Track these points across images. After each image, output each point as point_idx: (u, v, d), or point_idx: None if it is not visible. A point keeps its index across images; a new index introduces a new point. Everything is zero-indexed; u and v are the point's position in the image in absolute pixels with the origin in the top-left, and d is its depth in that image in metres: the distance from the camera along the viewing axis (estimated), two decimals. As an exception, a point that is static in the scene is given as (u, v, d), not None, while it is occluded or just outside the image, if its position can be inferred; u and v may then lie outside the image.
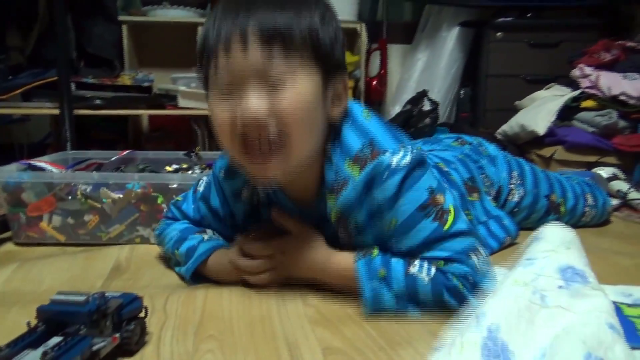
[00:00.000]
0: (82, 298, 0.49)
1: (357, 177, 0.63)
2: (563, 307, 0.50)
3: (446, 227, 0.62)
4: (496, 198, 0.97)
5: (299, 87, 0.59)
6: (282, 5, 0.58)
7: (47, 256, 0.88)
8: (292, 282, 0.70)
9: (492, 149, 1.02)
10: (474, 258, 0.62)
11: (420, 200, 0.62)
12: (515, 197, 0.99)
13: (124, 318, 0.52)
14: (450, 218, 0.63)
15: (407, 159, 0.62)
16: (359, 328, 0.60)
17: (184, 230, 0.78)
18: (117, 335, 0.51)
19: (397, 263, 0.63)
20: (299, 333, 0.58)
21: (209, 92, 0.63)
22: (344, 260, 0.66)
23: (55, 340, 0.48)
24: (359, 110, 0.68)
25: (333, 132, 0.66)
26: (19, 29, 1.62)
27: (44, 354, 0.43)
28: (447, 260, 0.62)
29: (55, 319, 0.49)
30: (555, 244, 0.59)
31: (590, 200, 1.07)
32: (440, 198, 0.64)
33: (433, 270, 0.61)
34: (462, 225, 0.64)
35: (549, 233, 0.63)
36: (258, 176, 0.64)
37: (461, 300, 0.60)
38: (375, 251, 0.65)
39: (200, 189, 0.80)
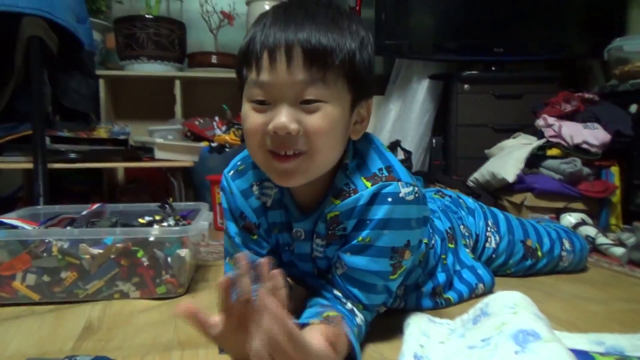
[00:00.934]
0: None
1: (369, 188, 0.67)
2: None
3: (392, 276, 0.69)
4: (475, 246, 1.01)
5: (330, 110, 0.62)
6: (329, 29, 0.61)
7: (14, 317, 0.85)
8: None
9: (470, 201, 1.08)
10: (379, 309, 0.73)
11: (396, 244, 0.68)
12: (492, 244, 1.03)
13: None
14: (398, 273, 0.70)
15: (412, 197, 0.67)
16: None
17: None
18: None
19: (351, 316, 0.67)
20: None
21: (243, 94, 0.65)
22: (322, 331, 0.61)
23: None
24: (380, 141, 0.74)
25: (354, 149, 0.71)
26: (-6, 83, 1.62)
27: None
28: (365, 307, 0.69)
29: None
30: (502, 315, 0.64)
31: (567, 245, 1.11)
32: (407, 254, 0.69)
33: (364, 318, 0.69)
34: (396, 283, 0.71)
35: (494, 305, 0.69)
36: (279, 182, 0.67)
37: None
38: (334, 313, 0.65)
39: (227, 229, 0.79)
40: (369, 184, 0.67)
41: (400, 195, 0.66)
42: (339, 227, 0.70)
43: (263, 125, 0.62)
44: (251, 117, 0.64)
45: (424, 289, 0.86)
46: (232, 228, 0.77)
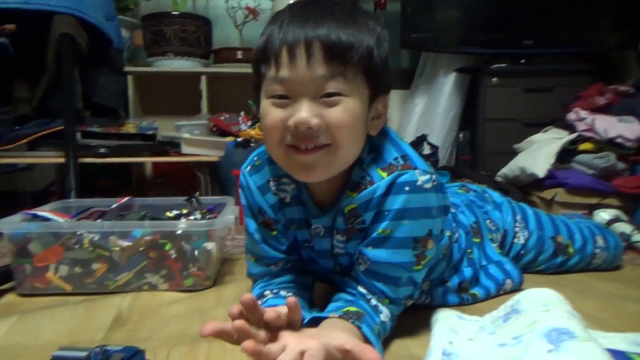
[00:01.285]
0: (83, 354, 0.49)
1: (385, 178, 0.66)
2: None
3: (416, 267, 0.68)
4: (502, 242, 0.99)
5: (350, 104, 0.62)
6: (347, 25, 0.61)
7: (48, 307, 0.87)
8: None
9: (496, 196, 1.06)
10: (406, 302, 0.71)
11: (418, 233, 0.67)
12: (521, 240, 1.01)
13: None
14: (422, 264, 0.69)
15: (429, 185, 0.66)
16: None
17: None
18: None
19: (373, 314, 0.66)
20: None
21: (262, 91, 0.65)
22: (347, 332, 0.60)
23: None
24: (395, 133, 0.73)
25: (370, 144, 0.70)
26: (28, 80, 1.67)
27: None
28: (392, 301, 0.68)
29: None
30: (534, 313, 0.63)
31: (600, 242, 1.07)
32: (430, 244, 0.68)
33: (389, 313, 0.68)
34: (421, 274, 0.70)
35: (525, 302, 0.68)
36: (301, 176, 0.66)
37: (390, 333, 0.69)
38: (358, 309, 0.65)
39: (246, 226, 0.79)
40: (384, 174, 0.66)
41: (418, 183, 0.65)
42: (358, 220, 0.69)
43: (283, 121, 0.62)
44: (271, 112, 0.63)
45: (449, 284, 0.84)
46: (251, 224, 0.77)
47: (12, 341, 0.72)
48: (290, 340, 0.52)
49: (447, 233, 0.81)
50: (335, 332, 0.57)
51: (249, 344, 0.49)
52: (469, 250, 0.88)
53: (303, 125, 0.60)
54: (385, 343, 0.68)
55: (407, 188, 0.65)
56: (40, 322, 0.80)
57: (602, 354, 0.53)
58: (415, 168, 0.66)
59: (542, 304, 0.65)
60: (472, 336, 0.69)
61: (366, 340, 0.60)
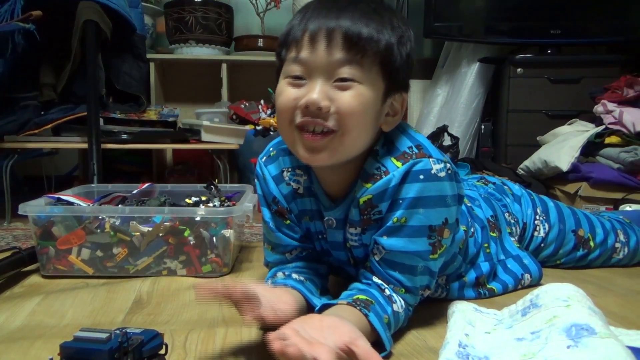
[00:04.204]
0: (104, 335, 0.50)
1: (400, 168, 0.66)
2: None
3: (432, 256, 0.68)
4: (522, 235, 0.98)
5: (362, 91, 0.62)
6: (370, 18, 0.62)
7: (70, 289, 0.89)
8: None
9: (516, 188, 1.04)
10: (421, 292, 0.70)
11: (433, 222, 0.66)
12: (541, 233, 1.00)
13: (144, 355, 0.53)
14: (439, 252, 0.68)
15: (444, 173, 0.66)
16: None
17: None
18: None
19: (385, 304, 0.65)
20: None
21: (281, 73, 0.67)
22: (353, 320, 0.60)
23: None
24: (408, 125, 0.73)
25: (384, 138, 0.70)
26: (53, 67, 1.69)
27: None
28: (407, 290, 0.68)
29: (77, 356, 0.50)
30: (554, 308, 0.62)
31: (621, 237, 1.05)
32: (446, 232, 0.68)
33: (403, 304, 0.67)
34: (438, 264, 0.70)
35: (545, 297, 0.66)
36: (306, 159, 0.66)
37: (405, 324, 0.69)
38: (367, 298, 0.65)
39: (262, 215, 0.79)
40: (399, 163, 0.66)
41: (432, 171, 0.65)
42: (374, 210, 0.68)
43: (295, 100, 0.63)
44: (285, 91, 0.64)
45: (466, 278, 0.83)
46: (266, 213, 0.78)
47: (35, 321, 0.74)
48: (298, 340, 0.51)
49: (463, 227, 0.80)
50: (342, 324, 0.56)
51: (277, 344, 0.50)
52: (485, 245, 0.87)
53: (313, 106, 0.61)
54: (401, 333, 0.68)
55: (421, 176, 0.65)
56: (63, 303, 0.82)
57: (623, 351, 0.52)
58: (430, 156, 0.66)
59: (562, 299, 0.64)
60: (489, 329, 0.69)
61: (373, 329, 0.61)
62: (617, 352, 0.51)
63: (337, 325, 0.56)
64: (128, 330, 0.53)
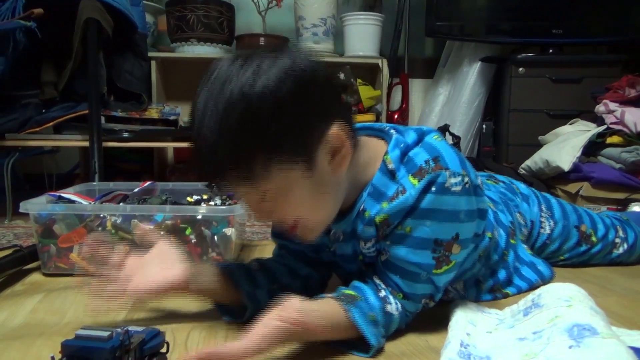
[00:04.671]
0: (105, 334, 0.50)
1: (416, 185, 0.62)
2: None
3: (435, 270, 0.65)
4: (529, 234, 0.98)
5: (285, 194, 0.60)
6: (215, 148, 0.57)
7: (71, 287, 0.89)
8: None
9: (522, 187, 1.03)
10: (424, 301, 0.68)
11: (440, 236, 0.64)
12: (547, 230, 0.99)
13: (145, 354, 0.53)
14: (445, 268, 0.66)
15: (459, 187, 0.63)
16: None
17: None
18: None
19: (374, 303, 0.64)
20: (320, 373, 0.58)
21: None
22: (325, 316, 0.61)
23: None
24: (431, 135, 0.68)
25: (402, 150, 0.66)
26: (54, 65, 1.69)
27: None
28: (406, 296, 0.66)
29: (78, 354, 0.49)
30: (556, 308, 0.62)
31: (620, 233, 1.06)
32: (456, 248, 0.65)
33: (400, 307, 0.66)
34: (444, 279, 0.67)
35: (546, 297, 0.66)
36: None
37: (403, 327, 0.68)
38: (353, 293, 0.65)
39: None
40: (415, 180, 0.63)
41: (446, 185, 0.62)
42: (390, 227, 0.66)
43: None
44: None
45: (484, 285, 0.82)
46: None
47: (37, 319, 0.74)
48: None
49: (489, 234, 0.78)
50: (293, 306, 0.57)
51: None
52: (505, 252, 0.85)
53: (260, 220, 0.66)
54: (403, 333, 0.68)
55: (433, 189, 0.62)
56: (64, 301, 0.82)
57: (625, 351, 0.51)
58: (447, 169, 0.63)
59: (564, 299, 0.64)
60: (491, 329, 0.69)
61: (354, 325, 0.61)
62: (619, 353, 0.51)
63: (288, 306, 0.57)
64: (129, 329, 0.53)
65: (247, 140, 0.56)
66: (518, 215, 0.95)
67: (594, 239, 1.03)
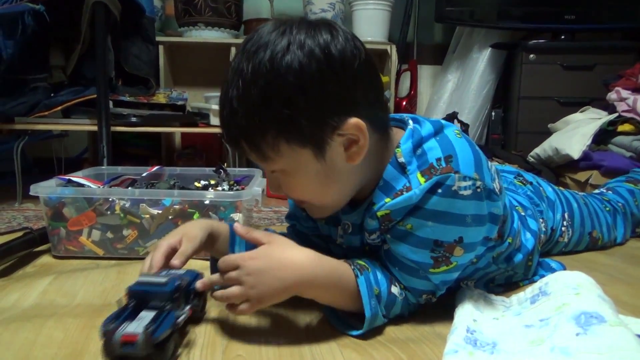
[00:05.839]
0: (163, 279, 0.58)
1: (423, 185, 0.61)
2: (587, 352, 0.50)
3: (433, 270, 0.65)
4: (549, 239, 0.97)
5: (292, 177, 0.63)
6: (235, 111, 0.58)
7: (81, 269, 0.90)
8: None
9: (549, 191, 1.00)
10: (425, 297, 0.68)
11: (442, 237, 0.63)
12: (565, 239, 1.00)
13: (190, 293, 0.62)
14: (443, 268, 0.65)
15: (468, 192, 0.61)
16: (388, 351, 0.60)
17: None
18: (189, 307, 0.61)
19: (382, 280, 0.65)
20: (327, 355, 0.58)
21: None
22: (336, 271, 0.63)
23: (145, 314, 0.55)
24: (451, 129, 0.67)
25: (415, 141, 0.64)
26: (62, 49, 1.69)
27: (146, 327, 0.51)
28: (405, 288, 0.67)
29: (143, 296, 0.57)
30: (564, 296, 0.62)
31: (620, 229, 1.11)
32: (458, 251, 0.64)
33: (403, 293, 0.67)
34: (442, 278, 0.66)
35: (554, 285, 0.66)
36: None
37: (407, 314, 0.69)
38: (365, 264, 0.65)
39: None
40: (423, 179, 0.61)
41: (453, 188, 0.60)
42: (392, 223, 0.65)
43: None
44: None
45: (495, 283, 0.81)
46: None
47: (47, 300, 0.76)
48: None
49: (509, 240, 0.75)
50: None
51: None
52: (530, 257, 0.82)
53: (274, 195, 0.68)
54: (409, 319, 0.68)
55: (439, 190, 0.60)
56: (74, 283, 0.83)
57: (632, 339, 0.51)
58: (457, 172, 0.61)
59: (572, 287, 0.64)
60: (497, 315, 0.69)
61: (358, 292, 0.61)
62: (627, 340, 0.51)
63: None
64: (172, 272, 0.62)
65: (262, 114, 0.57)
66: (541, 221, 0.92)
67: (600, 242, 1.06)
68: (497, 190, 0.66)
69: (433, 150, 0.63)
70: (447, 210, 0.61)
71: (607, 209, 1.10)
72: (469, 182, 0.61)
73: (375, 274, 0.65)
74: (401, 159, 0.64)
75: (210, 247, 0.72)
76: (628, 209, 1.14)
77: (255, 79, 0.56)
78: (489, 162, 0.68)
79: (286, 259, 0.60)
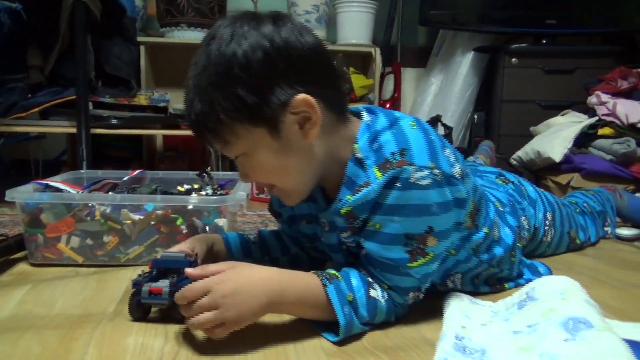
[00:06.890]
0: (182, 255, 0.69)
1: (379, 179, 0.63)
2: (576, 358, 0.51)
3: (411, 264, 0.65)
4: (532, 238, 0.98)
5: (253, 158, 0.65)
6: (197, 94, 0.62)
7: (59, 277, 0.88)
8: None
9: (531, 190, 1.01)
10: (412, 295, 0.68)
11: (411, 230, 0.64)
12: (548, 238, 1.01)
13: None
14: (421, 261, 0.65)
15: (427, 181, 0.62)
16: (376, 358, 0.59)
17: None
18: None
19: (358, 285, 0.65)
20: (315, 366, 0.57)
21: None
22: (304, 282, 0.64)
23: (165, 281, 0.66)
24: (406, 120, 0.68)
25: (371, 134, 0.66)
26: (41, 48, 1.65)
27: (170, 284, 0.65)
28: (391, 288, 0.67)
29: (165, 267, 0.68)
30: (551, 301, 0.62)
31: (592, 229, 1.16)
32: (432, 241, 0.64)
33: (386, 295, 0.67)
34: (422, 271, 0.66)
35: (541, 290, 0.66)
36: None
37: (394, 319, 0.69)
38: (335, 273, 0.66)
39: None
40: (380, 173, 0.63)
41: (410, 180, 0.61)
42: (357, 220, 0.66)
43: None
44: None
45: (481, 279, 0.81)
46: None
47: (25, 310, 0.73)
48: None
49: (486, 230, 0.76)
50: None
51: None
52: (512, 252, 0.83)
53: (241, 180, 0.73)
54: (397, 326, 0.68)
55: (397, 185, 0.61)
56: (53, 292, 0.81)
57: (619, 344, 0.52)
58: (411, 164, 0.62)
59: (559, 291, 0.64)
60: (485, 321, 0.68)
61: (329, 301, 0.62)
62: (614, 345, 0.51)
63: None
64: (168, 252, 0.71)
65: (213, 96, 0.60)
66: (523, 219, 0.93)
67: (577, 241, 1.09)
68: (456, 174, 0.66)
69: (388, 143, 0.64)
70: (409, 203, 0.62)
71: (577, 210, 1.14)
72: (426, 172, 0.62)
73: (348, 281, 0.65)
74: (358, 154, 0.66)
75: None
76: (593, 208, 1.18)
77: (206, 67, 0.61)
78: (448, 149, 0.69)
79: (254, 277, 0.61)
